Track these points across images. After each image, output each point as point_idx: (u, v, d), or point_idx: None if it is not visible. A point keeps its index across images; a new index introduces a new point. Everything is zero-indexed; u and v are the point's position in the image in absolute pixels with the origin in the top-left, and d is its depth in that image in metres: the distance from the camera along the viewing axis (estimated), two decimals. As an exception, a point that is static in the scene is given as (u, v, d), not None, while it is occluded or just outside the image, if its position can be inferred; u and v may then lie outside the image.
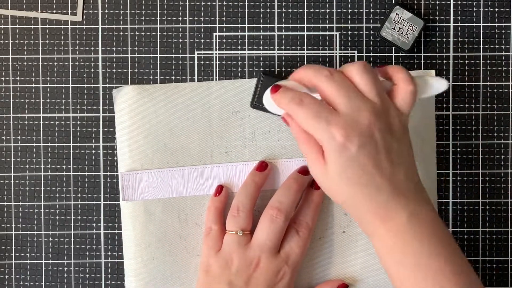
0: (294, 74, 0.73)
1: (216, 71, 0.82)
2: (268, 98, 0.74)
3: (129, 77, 0.82)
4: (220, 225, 0.79)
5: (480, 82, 0.82)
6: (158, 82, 0.82)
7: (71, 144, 0.82)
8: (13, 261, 0.82)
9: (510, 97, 0.82)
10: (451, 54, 0.82)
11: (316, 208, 0.80)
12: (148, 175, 0.81)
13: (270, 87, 0.73)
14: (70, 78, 0.82)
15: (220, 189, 0.81)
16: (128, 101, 0.81)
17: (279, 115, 0.75)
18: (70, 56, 0.82)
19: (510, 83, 0.82)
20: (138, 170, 0.81)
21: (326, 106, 0.70)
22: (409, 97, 0.71)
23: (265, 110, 0.79)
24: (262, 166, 0.80)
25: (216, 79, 0.82)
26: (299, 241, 0.78)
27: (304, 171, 0.80)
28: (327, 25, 0.82)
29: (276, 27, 0.82)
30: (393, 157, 0.70)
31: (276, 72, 0.81)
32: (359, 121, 0.69)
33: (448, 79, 0.82)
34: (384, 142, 0.70)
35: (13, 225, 0.82)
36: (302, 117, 0.70)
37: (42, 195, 0.82)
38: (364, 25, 0.82)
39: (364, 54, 0.82)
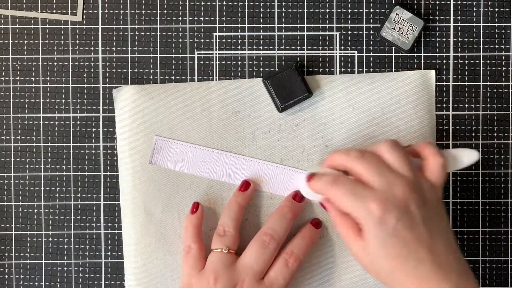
0: (326, 162, 0.75)
1: (216, 71, 0.82)
2: (304, 186, 0.76)
3: (129, 77, 0.82)
4: (199, 243, 0.78)
5: (480, 82, 0.82)
6: (158, 82, 0.82)
7: (71, 144, 0.82)
8: (13, 261, 0.82)
9: (510, 97, 0.82)
10: (451, 54, 0.82)
11: (311, 244, 0.79)
12: (181, 147, 0.80)
13: (306, 175, 0.75)
14: (70, 78, 0.82)
15: (196, 206, 0.79)
16: (128, 101, 0.81)
17: (318, 202, 0.77)
18: (70, 56, 0.82)
19: (510, 83, 0.82)
20: (173, 139, 0.80)
21: (361, 183, 0.71)
22: (439, 170, 0.72)
23: (292, 105, 0.79)
24: (245, 186, 0.80)
25: (216, 79, 0.82)
26: (286, 273, 0.77)
27: (297, 197, 0.79)
28: (327, 25, 0.82)
29: (276, 27, 0.82)
30: (431, 229, 0.70)
31: (277, 70, 0.81)
32: (395, 195, 0.70)
33: (448, 80, 0.82)
34: (421, 214, 0.70)
35: (13, 225, 0.82)
36: (338, 196, 0.71)
37: (42, 195, 0.82)
38: (364, 25, 0.82)
39: (364, 54, 0.82)
